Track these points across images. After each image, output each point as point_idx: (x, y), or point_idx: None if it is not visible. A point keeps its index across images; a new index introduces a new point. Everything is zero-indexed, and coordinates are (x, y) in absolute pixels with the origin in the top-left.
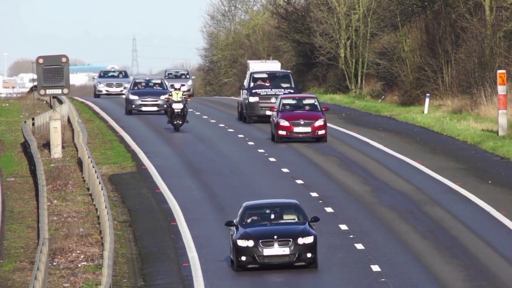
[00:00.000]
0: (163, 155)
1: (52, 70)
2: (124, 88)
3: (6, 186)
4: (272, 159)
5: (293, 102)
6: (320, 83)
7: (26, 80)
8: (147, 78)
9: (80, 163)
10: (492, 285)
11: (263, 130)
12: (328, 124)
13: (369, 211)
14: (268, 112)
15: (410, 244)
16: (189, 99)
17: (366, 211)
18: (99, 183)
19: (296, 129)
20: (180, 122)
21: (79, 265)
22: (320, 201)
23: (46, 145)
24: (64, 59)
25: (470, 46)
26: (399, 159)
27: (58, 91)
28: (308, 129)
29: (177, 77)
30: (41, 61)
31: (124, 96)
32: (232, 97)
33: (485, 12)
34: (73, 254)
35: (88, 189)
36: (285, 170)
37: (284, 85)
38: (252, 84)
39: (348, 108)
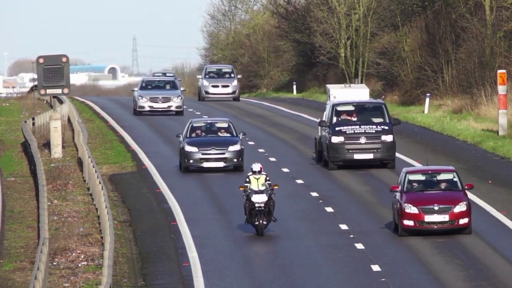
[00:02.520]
0: (163, 155)
1: (52, 70)
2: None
3: (6, 186)
4: (272, 159)
5: (423, 178)
6: (320, 83)
7: (26, 80)
8: (208, 122)
9: (80, 163)
10: (492, 285)
11: (263, 130)
12: None
13: (369, 211)
14: (357, 156)
15: (410, 244)
16: (275, 187)
17: (366, 211)
18: (99, 183)
19: (428, 218)
20: (265, 222)
21: (80, 265)
22: (320, 201)
23: (46, 145)
24: (64, 59)
25: (470, 46)
26: (399, 159)
27: (58, 91)
28: (445, 217)
29: (219, 76)
30: (41, 61)
31: (172, 112)
32: None
33: (485, 12)
34: (73, 254)
35: (88, 189)
36: (285, 170)
37: (375, 119)
38: (334, 119)
39: None
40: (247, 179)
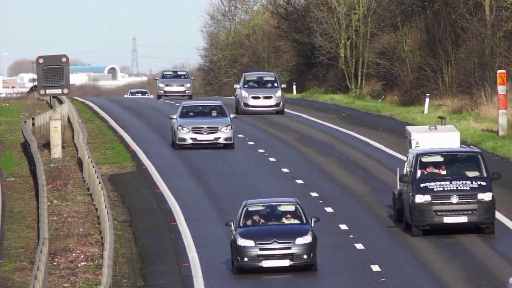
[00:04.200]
0: (163, 155)
1: (52, 70)
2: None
3: (6, 186)
4: (272, 159)
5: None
6: (320, 83)
7: (26, 80)
8: (269, 203)
9: (80, 163)
10: (492, 285)
11: (263, 130)
12: (328, 124)
13: (369, 211)
14: (447, 220)
15: (410, 244)
16: None
17: (366, 211)
18: (99, 183)
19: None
20: None
21: (79, 265)
22: (320, 201)
23: (46, 145)
24: (64, 59)
25: (470, 46)
26: (399, 159)
27: (58, 91)
28: None
29: (260, 85)
30: (41, 61)
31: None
32: (232, 97)
33: (485, 12)
34: (73, 254)
35: (88, 189)
36: (285, 170)
37: (470, 173)
38: (418, 173)
39: (348, 108)
40: None
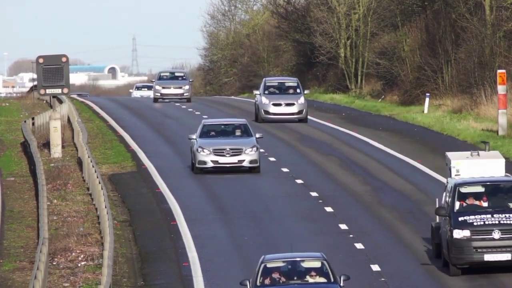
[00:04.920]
0: (163, 155)
1: (52, 70)
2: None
3: (6, 186)
4: (272, 159)
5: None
6: (320, 83)
7: (26, 80)
8: None
9: (80, 162)
10: (492, 285)
11: (263, 130)
12: (328, 124)
13: (369, 211)
14: (488, 257)
15: (410, 244)
16: None
17: (366, 211)
18: (99, 183)
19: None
20: None
21: (79, 265)
22: (320, 201)
23: (46, 145)
24: (64, 59)
25: (470, 46)
26: (399, 159)
27: (58, 90)
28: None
29: (282, 91)
30: (41, 61)
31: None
32: (232, 97)
33: (485, 12)
34: (73, 254)
35: (88, 188)
36: (285, 170)
37: None
38: (457, 206)
39: (348, 108)
40: None
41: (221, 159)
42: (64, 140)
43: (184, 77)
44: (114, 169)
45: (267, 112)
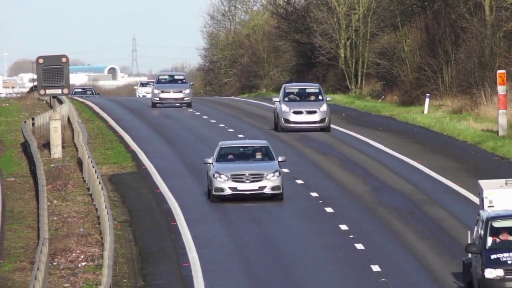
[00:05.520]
0: (163, 155)
1: (52, 70)
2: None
3: (6, 186)
4: None
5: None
6: (320, 83)
7: (26, 80)
8: None
9: (80, 163)
10: None
11: (262, 130)
12: None
13: (369, 211)
14: None
15: (410, 244)
16: None
17: (366, 211)
18: (99, 183)
19: None
20: None
21: (79, 265)
22: (320, 201)
23: (46, 145)
24: (64, 59)
25: (470, 46)
26: (399, 159)
27: (58, 91)
28: None
29: (303, 98)
30: (41, 61)
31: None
32: (232, 97)
33: (485, 12)
34: (73, 254)
35: (88, 189)
36: (285, 170)
37: None
38: (489, 242)
39: (348, 108)
40: None
41: (240, 186)
42: (64, 141)
43: (184, 80)
44: (114, 169)
45: (287, 121)
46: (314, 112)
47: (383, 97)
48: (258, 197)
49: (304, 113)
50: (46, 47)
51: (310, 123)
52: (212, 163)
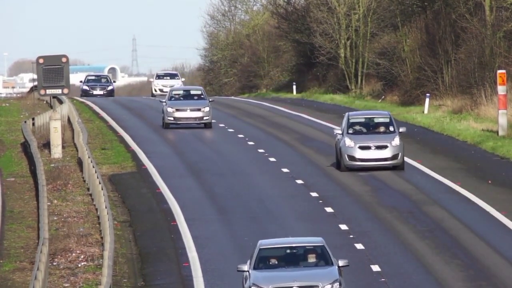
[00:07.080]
0: (163, 155)
1: (52, 70)
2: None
3: (6, 186)
4: (272, 159)
5: None
6: (320, 83)
7: (26, 80)
8: None
9: (80, 163)
10: (492, 285)
11: (263, 130)
12: (328, 124)
13: (369, 211)
14: None
15: (410, 244)
16: None
17: (366, 211)
18: (99, 183)
19: None
20: None
21: (79, 265)
22: (320, 201)
23: (46, 145)
24: (64, 59)
25: (470, 46)
26: None
27: (58, 91)
28: None
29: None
30: (41, 61)
31: None
32: (232, 97)
33: (485, 12)
34: (73, 254)
35: (88, 189)
36: (285, 170)
37: None
38: None
39: (348, 108)
40: None
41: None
42: (64, 141)
43: (202, 96)
44: (114, 169)
45: (352, 158)
46: (385, 147)
47: (383, 97)
48: None
49: (373, 148)
50: (46, 47)
51: (381, 160)
52: (248, 270)
